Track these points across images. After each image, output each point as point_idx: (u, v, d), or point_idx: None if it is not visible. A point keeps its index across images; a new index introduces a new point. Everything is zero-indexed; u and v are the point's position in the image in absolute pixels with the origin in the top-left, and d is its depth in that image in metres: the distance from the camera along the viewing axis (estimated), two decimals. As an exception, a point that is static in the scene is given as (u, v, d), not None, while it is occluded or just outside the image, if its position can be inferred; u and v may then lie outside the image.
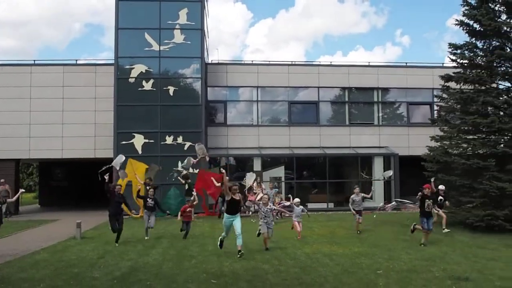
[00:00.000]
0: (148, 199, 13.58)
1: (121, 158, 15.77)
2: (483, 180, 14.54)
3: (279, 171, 23.08)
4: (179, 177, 19.30)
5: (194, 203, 14.18)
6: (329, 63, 26.03)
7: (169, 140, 21.37)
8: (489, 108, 15.67)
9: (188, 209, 13.33)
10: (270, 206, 11.96)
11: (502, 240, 12.56)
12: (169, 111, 21.47)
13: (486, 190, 14.35)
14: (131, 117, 21.25)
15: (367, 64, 25.50)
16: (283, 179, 22.86)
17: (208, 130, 23.22)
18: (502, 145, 15.49)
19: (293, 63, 25.45)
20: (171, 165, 20.86)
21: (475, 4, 16.26)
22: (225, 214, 10.87)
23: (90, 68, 23.11)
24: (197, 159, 18.48)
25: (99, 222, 17.33)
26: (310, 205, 22.01)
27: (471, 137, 16.25)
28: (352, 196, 14.80)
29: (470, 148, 15.94)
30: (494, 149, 14.96)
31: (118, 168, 16.21)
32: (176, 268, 9.16)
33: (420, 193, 12.27)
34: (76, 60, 24.10)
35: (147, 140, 21.20)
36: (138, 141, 21.18)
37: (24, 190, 10.32)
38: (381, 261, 9.76)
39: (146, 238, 13.06)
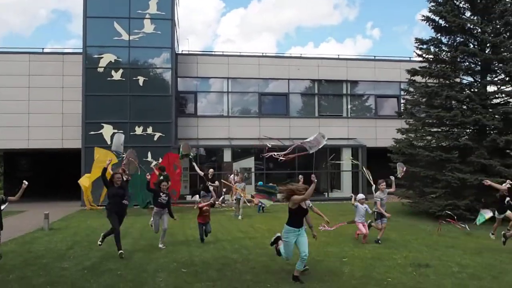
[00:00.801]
0: (161, 194, 10.71)
1: (120, 138, 14.57)
2: (446, 172, 15.11)
3: (249, 162, 23.28)
4: (152, 166, 18.69)
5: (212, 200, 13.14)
6: (300, 55, 26.30)
7: (138, 130, 21.26)
8: (452, 102, 16.21)
9: (205, 208, 11.07)
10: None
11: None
12: (139, 102, 21.31)
13: (448, 181, 14.90)
14: (100, 107, 20.98)
15: (336, 57, 25.84)
16: (253, 169, 23.07)
17: (178, 120, 23.19)
18: (464, 138, 16.06)
19: (264, 54, 25.59)
20: (141, 156, 20.73)
21: (441, 1, 16.74)
22: (286, 226, 7.92)
23: (58, 57, 22.62)
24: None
25: (67, 213, 17.20)
26: (280, 196, 22.27)
27: (435, 130, 16.79)
28: (378, 194, 11.29)
29: (434, 141, 16.51)
30: (457, 142, 15.50)
31: (121, 152, 14.78)
32: (146, 258, 9.24)
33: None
34: (43, 49, 23.62)
35: (116, 131, 20.86)
36: (107, 131, 20.96)
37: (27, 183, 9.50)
38: (347, 249, 10.07)
39: (161, 246, 10.42)
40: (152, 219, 11.10)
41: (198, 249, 10.12)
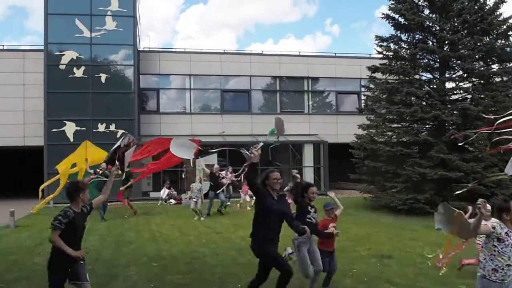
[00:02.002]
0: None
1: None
2: (406, 166, 15.43)
3: (212, 159, 23.31)
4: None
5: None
6: (261, 52, 26.44)
7: (101, 127, 20.96)
8: (412, 98, 16.52)
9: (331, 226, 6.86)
10: None
11: (422, 222, 13.43)
12: (101, 99, 21.01)
13: (408, 176, 15.25)
14: (62, 105, 20.55)
15: (297, 53, 26.19)
16: (216, 166, 23.09)
17: (141, 117, 22.97)
18: (424, 133, 16.53)
19: (225, 51, 25.64)
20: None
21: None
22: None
23: (18, 54, 22.11)
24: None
25: (31, 211, 16.83)
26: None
27: (395, 125, 17.23)
28: None
29: (394, 136, 16.88)
30: (417, 137, 15.89)
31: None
32: (116, 253, 9.27)
33: None
34: (3, 46, 22.94)
35: (78, 128, 20.66)
36: (70, 128, 20.58)
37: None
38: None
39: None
40: None
41: (166, 244, 10.20)
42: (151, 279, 7.23)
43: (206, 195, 15.98)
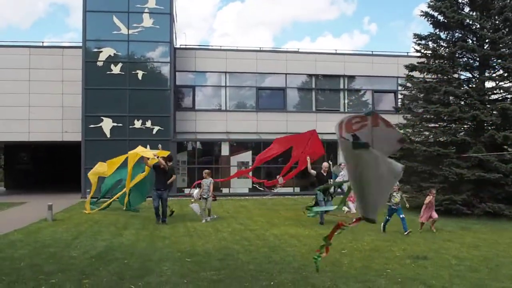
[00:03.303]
0: None
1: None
2: (443, 167, 15.21)
3: (247, 156, 23.44)
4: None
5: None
6: (297, 50, 26.35)
7: (137, 124, 21.37)
8: (450, 97, 16.24)
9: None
10: None
11: (458, 223, 13.24)
12: (138, 95, 21.42)
13: (445, 176, 14.98)
14: (99, 101, 21.11)
15: (334, 51, 25.92)
16: (250, 163, 23.23)
17: (177, 114, 23.29)
18: (461, 134, 16.20)
19: (261, 49, 25.66)
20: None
21: (440, -4, 16.85)
22: None
23: (57, 51, 22.72)
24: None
25: (68, 205, 17.35)
26: (277, 189, 22.52)
27: (432, 125, 16.93)
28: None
29: (431, 136, 16.60)
30: (454, 137, 15.58)
31: None
32: (150, 247, 9.42)
33: None
34: (43, 42, 23.68)
35: (115, 124, 21.14)
36: (107, 124, 21.10)
37: None
38: (346, 242, 10.21)
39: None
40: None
41: (200, 240, 10.30)
42: (184, 274, 7.33)
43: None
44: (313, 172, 13.62)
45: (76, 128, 21.43)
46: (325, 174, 13.72)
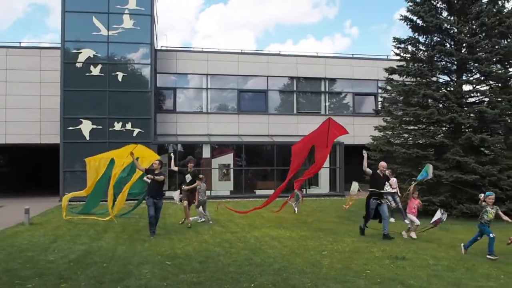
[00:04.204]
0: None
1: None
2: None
3: (228, 158, 23.42)
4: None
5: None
6: (278, 53, 26.45)
7: (117, 126, 21.17)
8: (429, 100, 16.41)
9: None
10: None
11: (437, 224, 13.45)
12: (118, 97, 21.24)
13: (424, 178, 15.25)
14: (78, 103, 20.84)
15: (315, 54, 26.13)
16: (231, 166, 23.21)
17: (157, 116, 23.17)
18: (440, 136, 16.42)
19: (243, 51, 25.69)
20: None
21: (419, 1, 17.09)
22: None
23: (35, 51, 22.43)
24: None
25: (46, 208, 17.07)
26: (258, 192, 22.61)
27: (412, 127, 17.11)
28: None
29: (410, 138, 16.85)
30: (433, 140, 15.79)
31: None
32: (130, 251, 9.34)
33: None
34: (20, 43, 23.29)
35: (95, 126, 20.92)
36: (86, 127, 20.85)
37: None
38: (326, 243, 10.29)
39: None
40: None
41: (181, 243, 10.24)
42: (164, 277, 7.28)
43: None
44: (368, 170, 11.29)
45: (54, 130, 21.11)
46: (381, 176, 11.42)
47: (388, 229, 11.13)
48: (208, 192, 20.64)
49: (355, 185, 12.93)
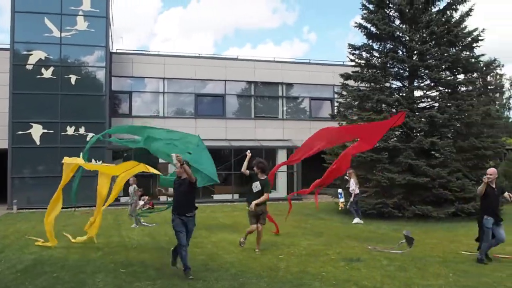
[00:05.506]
0: None
1: None
2: (376, 172, 15.82)
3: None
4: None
5: None
6: (236, 57, 26.47)
7: (70, 130, 20.57)
8: (382, 105, 16.82)
9: None
10: None
11: (390, 226, 13.76)
12: (71, 101, 20.63)
13: (378, 181, 15.54)
14: (28, 106, 20.11)
15: (272, 59, 26.29)
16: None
17: (112, 121, 22.64)
18: (393, 140, 16.84)
19: (200, 55, 25.59)
20: (73, 156, 19.98)
21: (373, 9, 17.55)
22: None
23: (-17, 53, 21.50)
24: None
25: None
26: (216, 197, 22.51)
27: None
28: None
29: (365, 142, 17.21)
30: (386, 143, 16.16)
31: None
32: (83, 259, 9.08)
33: None
34: (-33, 44, 22.32)
35: (46, 131, 20.25)
36: (36, 131, 20.14)
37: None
38: (283, 247, 10.34)
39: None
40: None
41: (136, 250, 10.06)
42: (118, 286, 7.12)
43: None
44: (247, 172, 10.05)
45: (2, 135, 20.28)
46: (493, 187, 9.04)
47: None
48: (164, 198, 20.51)
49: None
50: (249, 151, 10.47)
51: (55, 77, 20.57)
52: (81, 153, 11.89)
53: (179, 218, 7.94)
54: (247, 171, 10.02)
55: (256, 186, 9.75)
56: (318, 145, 12.37)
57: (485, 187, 8.82)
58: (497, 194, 9.05)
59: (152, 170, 11.01)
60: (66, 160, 11.15)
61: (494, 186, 9.05)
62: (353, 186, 14.83)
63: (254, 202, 9.56)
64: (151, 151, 12.07)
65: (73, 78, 20.80)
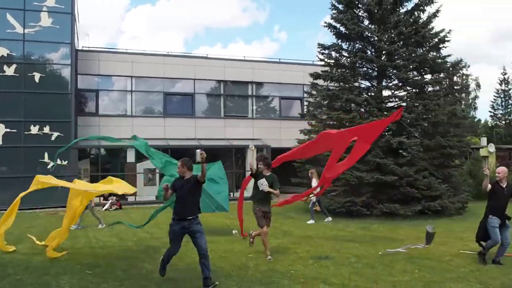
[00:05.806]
0: None
1: None
2: (345, 170, 15.94)
3: (150, 164, 22.85)
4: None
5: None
6: (206, 56, 26.34)
7: (34, 130, 19.99)
8: (351, 104, 16.94)
9: None
10: None
11: (359, 224, 13.91)
12: (35, 99, 20.03)
13: (347, 179, 15.64)
14: (-10, 105, 19.48)
15: (242, 58, 26.26)
16: (157, 170, 22.71)
17: (78, 119, 22.17)
18: (361, 139, 17.05)
19: (169, 53, 25.34)
20: (37, 157, 19.60)
21: (342, 9, 17.69)
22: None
23: None
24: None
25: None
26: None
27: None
28: None
29: (334, 141, 17.34)
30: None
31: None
32: (47, 261, 8.83)
33: None
34: None
35: (8, 130, 19.62)
36: (-2, 130, 19.56)
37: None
38: (252, 246, 10.30)
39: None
40: None
41: (103, 251, 9.88)
42: (84, 287, 6.95)
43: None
44: (488, 185, 8.69)
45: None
46: (503, 186, 8.70)
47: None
48: (132, 198, 20.32)
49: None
50: (199, 149, 9.95)
51: (18, 74, 19.96)
52: (58, 150, 11.61)
53: (178, 224, 7.34)
54: (255, 167, 9.49)
55: (263, 183, 9.13)
56: (317, 149, 12.51)
57: (488, 181, 8.46)
58: (507, 195, 8.53)
59: (124, 191, 10.55)
60: (39, 178, 10.12)
61: (504, 186, 8.57)
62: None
63: (268, 188, 9.04)
64: (166, 174, 11.91)
65: (37, 76, 20.22)
